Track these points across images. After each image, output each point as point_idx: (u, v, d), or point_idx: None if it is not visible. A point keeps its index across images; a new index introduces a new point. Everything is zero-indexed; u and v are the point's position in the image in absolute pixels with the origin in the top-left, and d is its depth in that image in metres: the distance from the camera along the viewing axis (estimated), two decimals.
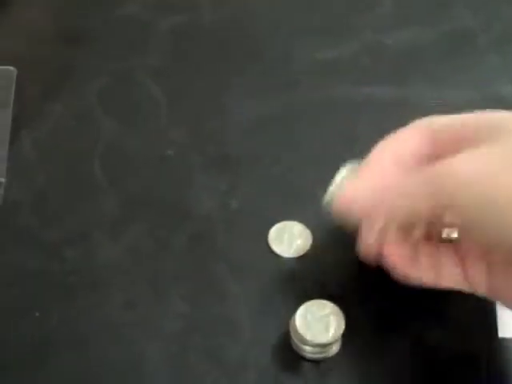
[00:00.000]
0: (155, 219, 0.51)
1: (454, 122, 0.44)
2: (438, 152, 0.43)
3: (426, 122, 0.45)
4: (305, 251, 0.49)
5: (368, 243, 0.43)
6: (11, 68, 0.56)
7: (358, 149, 0.53)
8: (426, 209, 0.41)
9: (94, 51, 0.58)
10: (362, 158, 0.46)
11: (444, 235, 0.42)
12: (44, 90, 0.56)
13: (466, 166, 0.40)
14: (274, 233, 0.49)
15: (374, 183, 0.44)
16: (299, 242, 0.49)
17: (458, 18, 0.60)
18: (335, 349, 0.45)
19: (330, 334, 0.44)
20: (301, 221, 0.50)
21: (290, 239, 0.49)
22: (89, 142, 0.54)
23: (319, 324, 0.44)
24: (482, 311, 0.47)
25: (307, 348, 0.44)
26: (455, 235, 0.41)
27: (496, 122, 0.42)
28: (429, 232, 0.43)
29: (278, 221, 0.50)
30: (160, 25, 0.60)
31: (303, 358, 0.45)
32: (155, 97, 0.56)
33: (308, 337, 0.44)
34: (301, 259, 0.49)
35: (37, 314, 0.46)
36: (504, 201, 0.39)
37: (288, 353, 0.45)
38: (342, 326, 0.44)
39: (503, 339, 0.46)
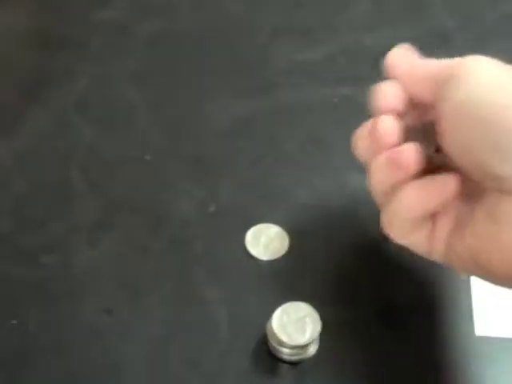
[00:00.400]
0: (133, 224, 0.51)
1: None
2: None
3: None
4: (281, 254, 0.49)
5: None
6: None
7: (332, 150, 0.54)
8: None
9: (72, 55, 0.58)
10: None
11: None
12: (23, 95, 0.56)
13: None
14: (250, 235, 0.50)
15: None
16: (275, 244, 0.49)
17: (434, 18, 0.61)
18: (312, 350, 0.45)
19: (307, 336, 0.44)
20: (278, 223, 0.50)
21: (266, 242, 0.49)
22: (67, 146, 0.54)
23: (296, 326, 0.44)
24: (458, 309, 0.47)
25: (285, 350, 0.44)
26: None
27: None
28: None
29: (255, 223, 0.50)
30: (138, 29, 0.60)
31: (281, 360, 0.45)
32: (133, 101, 0.56)
33: (285, 339, 0.44)
34: (277, 261, 0.49)
35: (14, 322, 0.46)
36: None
37: (266, 355, 0.46)
38: (319, 327, 0.44)
39: (480, 337, 0.47)
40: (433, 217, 0.42)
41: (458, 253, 0.41)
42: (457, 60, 0.42)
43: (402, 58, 0.45)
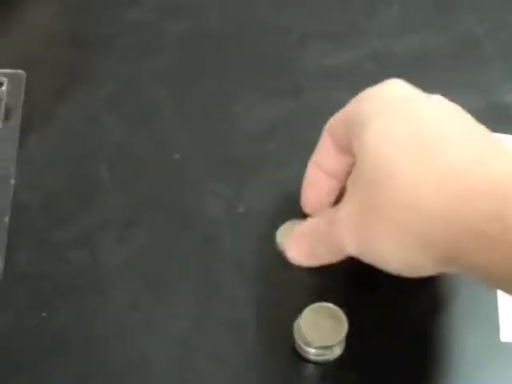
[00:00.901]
0: (161, 222, 0.51)
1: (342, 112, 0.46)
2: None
3: (327, 125, 0.48)
4: None
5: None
6: (21, 71, 0.57)
7: None
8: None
9: (102, 55, 0.58)
10: None
11: None
12: (53, 93, 0.57)
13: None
14: (280, 234, 0.50)
15: None
16: None
17: (463, 24, 0.61)
18: (339, 351, 0.45)
19: (334, 337, 0.44)
20: None
21: None
22: (96, 145, 0.54)
23: (323, 326, 0.44)
24: (484, 314, 0.47)
25: (311, 350, 0.45)
26: None
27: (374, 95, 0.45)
28: None
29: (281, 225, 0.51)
30: (168, 29, 0.60)
31: (307, 360, 0.46)
32: (161, 100, 0.57)
33: (312, 339, 0.44)
34: None
35: (43, 315, 0.47)
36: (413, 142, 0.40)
37: (292, 355, 0.46)
38: (345, 329, 0.44)
39: (505, 343, 0.47)
40: None
41: None
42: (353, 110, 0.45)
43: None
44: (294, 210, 0.51)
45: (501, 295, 0.48)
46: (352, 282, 0.49)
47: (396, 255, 0.40)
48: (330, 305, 0.45)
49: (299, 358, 0.46)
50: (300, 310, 0.45)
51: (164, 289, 0.48)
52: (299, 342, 0.45)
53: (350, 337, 0.45)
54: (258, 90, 0.57)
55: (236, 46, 0.60)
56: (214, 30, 0.60)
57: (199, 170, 0.53)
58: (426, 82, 0.58)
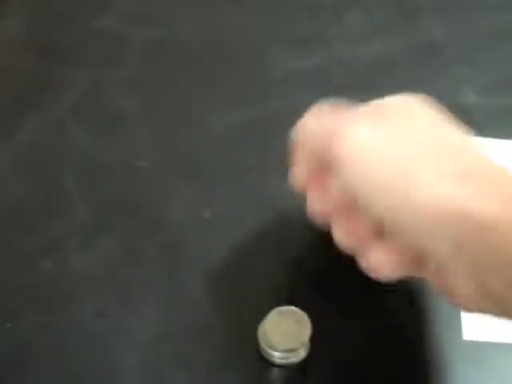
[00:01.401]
0: (128, 229, 0.51)
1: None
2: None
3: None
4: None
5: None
6: None
7: None
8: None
9: (67, 64, 0.59)
10: None
11: None
12: (18, 102, 0.57)
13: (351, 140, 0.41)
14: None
15: None
16: None
17: (427, 29, 0.61)
18: (303, 353, 0.46)
19: (298, 339, 0.45)
20: (272, 231, 0.51)
21: None
22: (62, 153, 0.54)
23: (287, 329, 0.45)
24: (446, 312, 0.48)
25: (275, 354, 0.45)
26: None
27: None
28: None
29: (249, 230, 0.51)
30: (134, 38, 0.61)
31: (272, 364, 0.46)
32: (129, 109, 0.57)
33: (276, 343, 0.44)
34: (270, 266, 0.50)
35: (8, 325, 0.47)
36: (386, 176, 0.39)
37: (257, 359, 0.46)
38: (309, 332, 0.45)
39: (467, 341, 0.47)
40: None
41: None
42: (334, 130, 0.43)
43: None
44: (260, 216, 0.52)
45: None
46: (315, 285, 0.49)
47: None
48: (295, 308, 0.46)
49: (264, 362, 0.46)
50: (264, 314, 0.46)
51: (130, 295, 0.49)
52: (263, 345, 0.45)
53: (314, 340, 0.46)
54: (224, 97, 0.58)
55: (202, 53, 0.60)
56: (180, 39, 0.61)
57: (165, 177, 0.54)
58: (390, 86, 0.59)
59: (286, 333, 0.45)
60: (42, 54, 0.59)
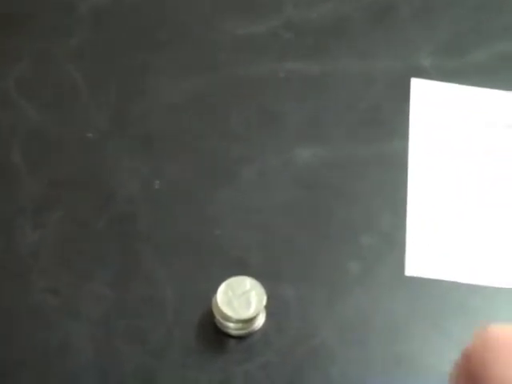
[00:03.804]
0: (78, 203, 0.50)
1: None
2: None
3: None
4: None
5: None
6: None
7: (280, 125, 0.54)
8: None
9: (12, 33, 0.57)
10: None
11: None
12: None
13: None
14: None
15: None
16: None
17: None
18: (259, 323, 0.45)
19: (252, 309, 0.44)
20: (224, 199, 0.50)
21: None
22: (7, 127, 0.53)
23: (240, 300, 0.44)
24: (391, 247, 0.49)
25: (230, 325, 0.44)
26: None
27: None
28: None
29: (201, 200, 0.50)
30: (80, 7, 0.59)
31: (228, 335, 0.45)
32: (76, 79, 0.55)
33: (230, 313, 0.44)
34: (222, 236, 0.49)
35: None
36: None
37: (213, 331, 0.45)
38: (264, 301, 0.44)
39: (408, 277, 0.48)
40: None
41: None
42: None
43: None
44: (211, 183, 0.51)
45: (410, 230, 0.49)
46: (268, 254, 0.48)
47: None
48: (248, 278, 0.45)
49: (221, 334, 0.45)
50: (219, 285, 0.45)
51: (81, 270, 0.48)
52: (218, 317, 0.44)
53: (270, 309, 0.45)
54: (174, 64, 0.56)
55: (149, 20, 0.58)
56: (128, 6, 0.59)
57: (115, 148, 0.52)
58: (344, 48, 0.58)
59: (239, 303, 0.44)
60: None
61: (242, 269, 0.46)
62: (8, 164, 0.51)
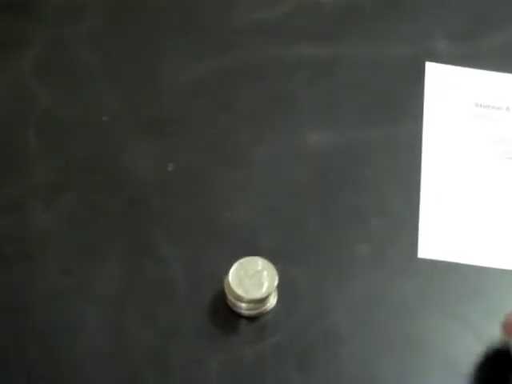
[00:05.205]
0: (91, 184, 0.50)
1: None
2: None
3: None
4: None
5: None
6: None
7: (293, 108, 0.54)
8: None
9: (27, 19, 0.57)
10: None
11: None
12: None
13: None
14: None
15: None
16: None
17: None
18: (271, 303, 0.45)
19: (264, 289, 0.44)
20: (237, 183, 0.50)
21: None
22: (23, 110, 0.53)
23: (252, 280, 0.44)
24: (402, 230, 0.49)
25: (242, 305, 0.45)
26: None
27: None
28: None
29: (213, 183, 0.50)
30: None
31: (240, 315, 0.45)
32: (90, 63, 0.55)
33: (242, 293, 0.44)
34: (236, 217, 0.49)
35: None
36: None
37: (225, 311, 0.46)
38: (276, 281, 0.44)
39: (421, 260, 0.48)
40: None
41: None
42: None
43: None
44: (223, 166, 0.51)
45: (423, 213, 0.49)
46: (282, 235, 0.48)
47: None
48: (259, 258, 0.45)
49: (232, 314, 0.45)
50: (230, 266, 0.45)
51: (94, 251, 0.48)
52: (230, 297, 0.45)
53: (282, 289, 0.45)
54: (188, 49, 0.56)
55: (163, 5, 0.58)
56: None
57: (128, 131, 0.52)
58: (357, 33, 0.58)
59: (251, 283, 0.44)
60: (0, 9, 0.58)
61: (253, 251, 0.46)
62: (22, 146, 0.52)
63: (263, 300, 0.44)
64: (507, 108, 0.54)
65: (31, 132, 0.52)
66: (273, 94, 0.54)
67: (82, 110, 0.53)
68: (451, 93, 0.55)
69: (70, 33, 0.57)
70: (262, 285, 0.44)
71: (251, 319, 0.45)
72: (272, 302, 0.45)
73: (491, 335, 0.45)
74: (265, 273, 0.44)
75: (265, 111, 0.54)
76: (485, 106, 0.54)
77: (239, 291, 0.44)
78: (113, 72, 0.55)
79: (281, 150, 0.52)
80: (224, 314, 0.46)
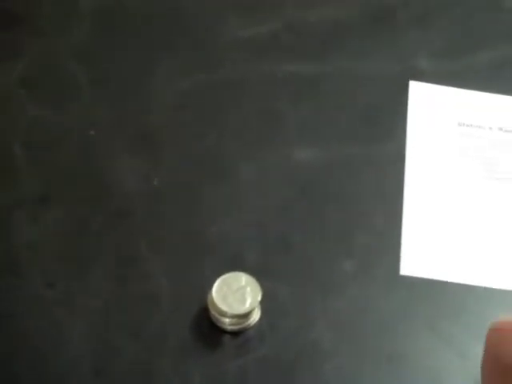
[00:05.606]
0: (77, 198, 0.51)
1: None
2: None
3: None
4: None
5: None
6: None
7: (279, 124, 0.55)
8: None
9: (16, 30, 0.58)
10: None
11: None
12: None
13: None
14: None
15: None
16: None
17: None
18: (254, 319, 0.45)
19: (247, 305, 0.44)
20: (222, 198, 0.51)
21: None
22: (10, 122, 0.53)
23: (236, 295, 0.44)
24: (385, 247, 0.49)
25: (226, 320, 0.45)
26: None
27: None
28: None
29: (199, 197, 0.51)
30: (84, 3, 0.60)
31: (223, 331, 0.46)
32: (78, 76, 0.56)
33: (225, 308, 0.44)
34: (219, 234, 0.49)
35: None
36: None
37: (208, 326, 0.46)
38: (259, 297, 0.45)
39: (403, 277, 0.48)
40: None
41: None
42: None
43: None
44: (209, 181, 0.51)
45: (405, 230, 0.50)
46: (266, 251, 0.49)
47: None
48: (243, 274, 0.45)
49: (216, 329, 0.46)
50: (214, 281, 0.45)
51: (79, 265, 0.48)
52: (214, 312, 0.45)
53: (265, 304, 0.45)
54: (176, 64, 0.57)
55: (152, 19, 0.59)
56: (130, 5, 0.60)
57: (114, 145, 0.53)
58: (343, 51, 0.59)
59: (235, 298, 0.44)
60: None
61: (237, 266, 0.47)
62: (9, 159, 0.52)
63: (246, 315, 0.45)
64: (490, 128, 0.55)
65: (18, 144, 0.53)
66: (260, 110, 0.55)
67: (70, 124, 0.54)
68: (434, 111, 0.55)
69: (58, 46, 0.57)
70: (245, 300, 0.44)
71: (235, 334, 0.46)
72: (255, 317, 0.46)
73: (474, 352, 0.46)
74: (248, 288, 0.45)
75: (252, 127, 0.54)
76: (468, 125, 0.55)
77: (223, 307, 0.44)
78: (101, 85, 0.56)
79: (267, 166, 0.53)
80: (208, 328, 0.46)
